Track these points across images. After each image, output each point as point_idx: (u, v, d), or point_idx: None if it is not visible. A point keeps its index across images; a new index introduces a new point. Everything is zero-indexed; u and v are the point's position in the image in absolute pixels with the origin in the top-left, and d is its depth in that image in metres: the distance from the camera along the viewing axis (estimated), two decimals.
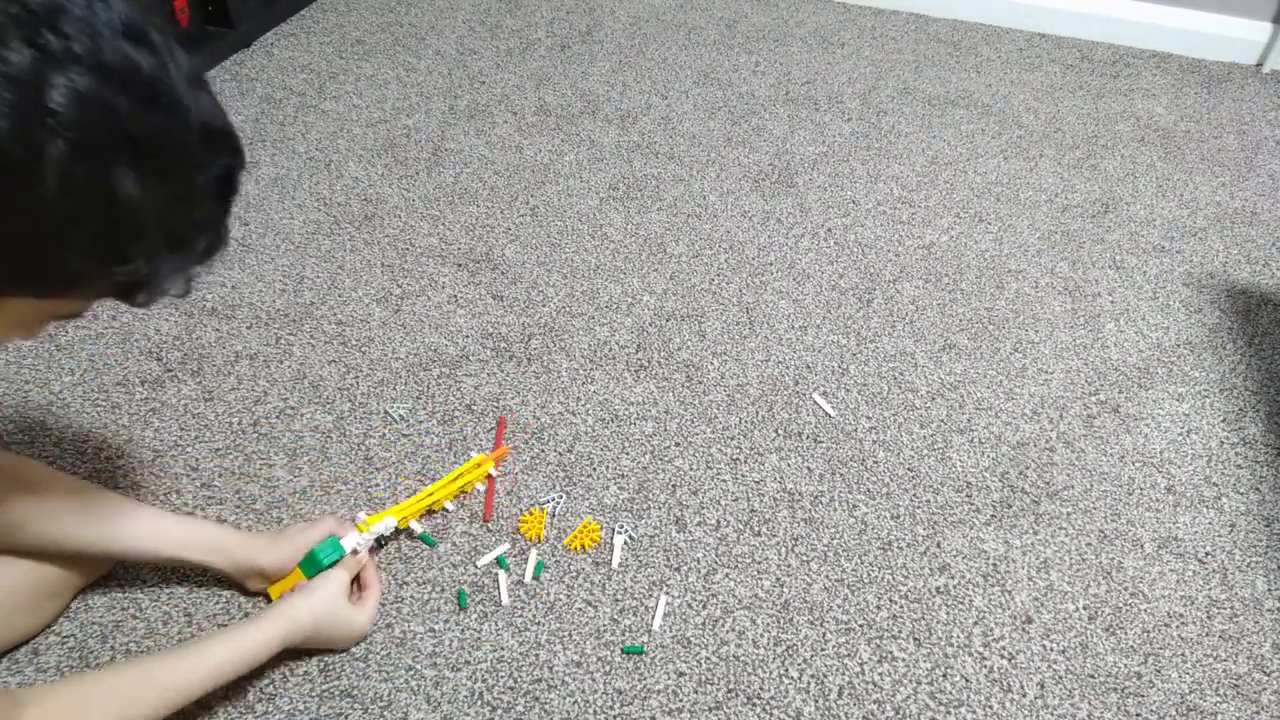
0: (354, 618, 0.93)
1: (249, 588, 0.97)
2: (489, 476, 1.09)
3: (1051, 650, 0.98)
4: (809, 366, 1.28)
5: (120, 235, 0.55)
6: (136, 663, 0.84)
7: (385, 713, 0.89)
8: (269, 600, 0.96)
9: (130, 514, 0.90)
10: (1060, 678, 0.96)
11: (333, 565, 0.93)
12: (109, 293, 0.61)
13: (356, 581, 0.97)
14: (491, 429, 1.17)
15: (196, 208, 0.59)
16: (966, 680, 0.95)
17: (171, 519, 0.93)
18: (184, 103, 0.56)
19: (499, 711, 0.90)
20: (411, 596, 0.99)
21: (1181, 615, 1.02)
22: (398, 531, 1.02)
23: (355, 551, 0.96)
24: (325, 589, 0.91)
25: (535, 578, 1.01)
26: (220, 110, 0.60)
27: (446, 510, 1.06)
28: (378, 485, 1.09)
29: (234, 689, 0.89)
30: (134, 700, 0.76)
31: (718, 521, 1.08)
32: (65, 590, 0.93)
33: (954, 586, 1.03)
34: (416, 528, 1.03)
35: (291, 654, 0.93)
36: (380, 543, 1.02)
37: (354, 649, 0.94)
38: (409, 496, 1.05)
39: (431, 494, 1.04)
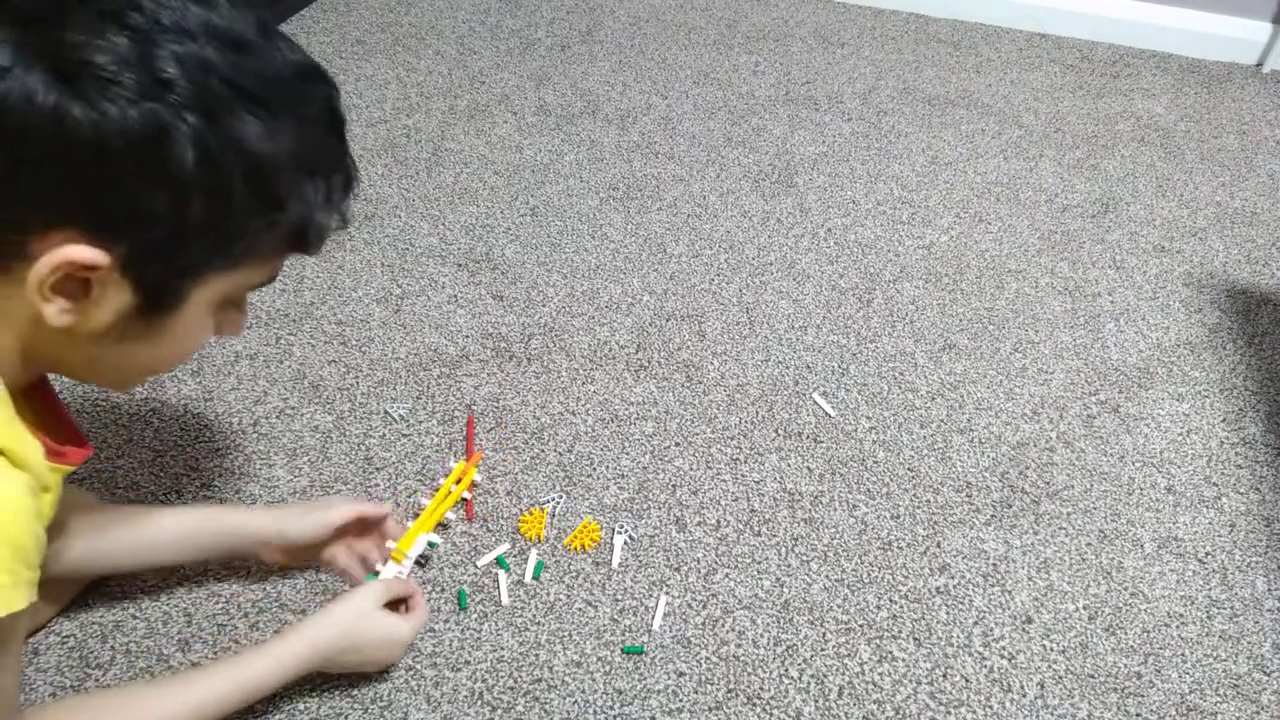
0: (392, 625, 0.87)
1: (264, 557, 0.95)
2: (471, 484, 1.09)
3: (1051, 650, 0.98)
4: (809, 366, 1.28)
5: (266, 181, 0.58)
6: (138, 691, 0.80)
7: (385, 713, 0.89)
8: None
9: (146, 519, 0.89)
10: (1060, 678, 0.96)
11: None
12: (282, 246, 0.64)
13: (404, 605, 0.92)
14: (491, 429, 1.17)
15: (318, 139, 0.62)
16: (966, 680, 0.95)
17: (186, 511, 0.92)
18: (266, 46, 0.58)
19: (499, 711, 0.90)
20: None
21: (1181, 615, 1.02)
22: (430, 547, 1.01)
23: (398, 576, 0.94)
24: (350, 598, 0.86)
25: (535, 578, 1.01)
26: (301, 50, 0.62)
27: (447, 520, 1.06)
28: (378, 485, 1.09)
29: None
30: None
31: (718, 521, 1.08)
32: (65, 594, 0.93)
33: (954, 586, 1.03)
34: (435, 539, 1.02)
35: None
36: (420, 563, 1.01)
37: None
38: (408, 505, 1.05)
39: (436, 506, 1.03)
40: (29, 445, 0.60)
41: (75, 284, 0.57)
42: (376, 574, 0.94)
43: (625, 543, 1.05)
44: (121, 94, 0.52)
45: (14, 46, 0.51)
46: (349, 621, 0.85)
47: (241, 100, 0.55)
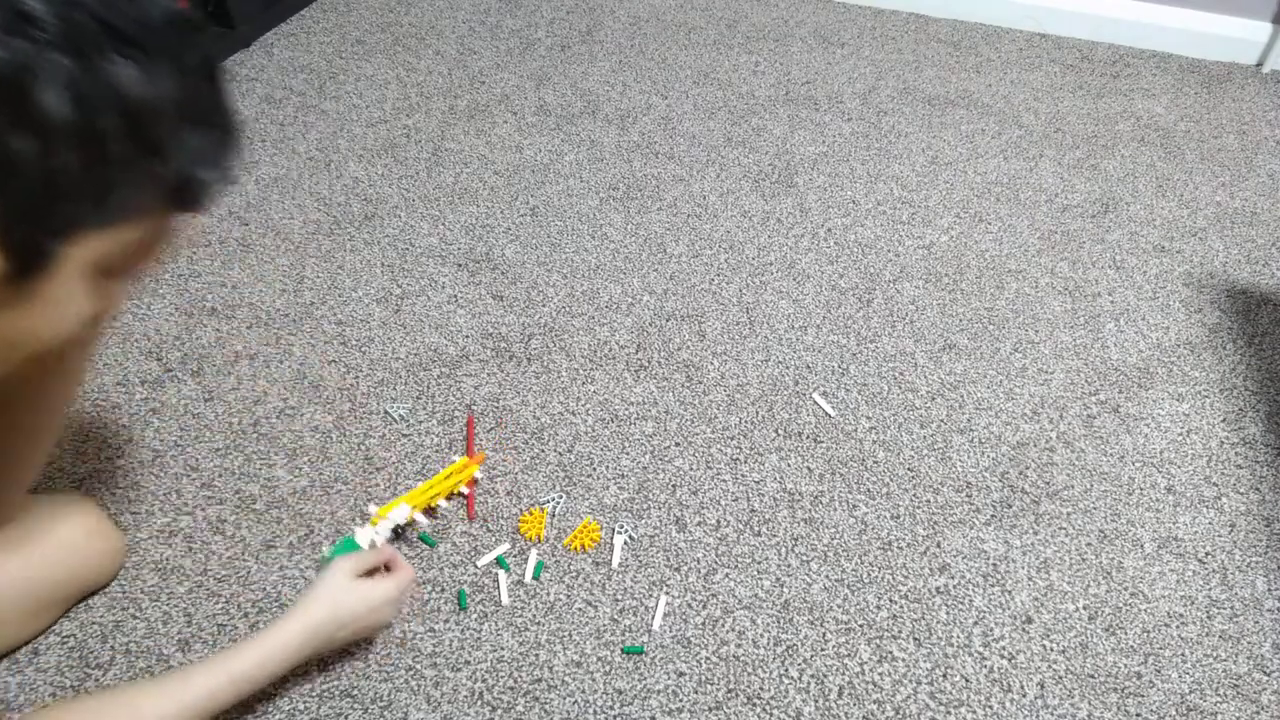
0: (371, 589, 0.88)
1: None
2: (472, 479, 1.09)
3: (1051, 650, 0.98)
4: (809, 366, 1.28)
5: (145, 126, 0.53)
6: (135, 691, 0.78)
7: (385, 713, 0.89)
8: None
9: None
10: (1060, 678, 0.96)
11: None
12: (163, 202, 0.58)
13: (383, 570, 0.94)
14: (492, 429, 1.17)
15: (198, 88, 0.57)
16: (966, 680, 0.95)
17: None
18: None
19: (499, 711, 0.90)
20: (411, 596, 0.99)
21: (1181, 615, 1.02)
22: (409, 523, 1.02)
23: (373, 544, 0.95)
24: (324, 576, 0.87)
25: (535, 578, 1.01)
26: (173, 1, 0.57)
27: (441, 509, 1.06)
28: (378, 485, 1.09)
29: None
30: None
31: (718, 521, 1.08)
32: (61, 601, 0.93)
33: (954, 586, 1.03)
34: (421, 519, 1.02)
35: None
36: (397, 532, 1.02)
37: (354, 649, 0.94)
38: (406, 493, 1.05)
39: (432, 487, 1.04)
40: None
41: None
42: (351, 538, 0.95)
43: (625, 543, 1.05)
44: None
45: None
46: (330, 599, 0.86)
47: (115, 40, 0.50)
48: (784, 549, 1.06)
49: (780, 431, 1.19)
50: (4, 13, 0.47)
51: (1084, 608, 1.02)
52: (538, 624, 0.97)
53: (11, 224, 0.51)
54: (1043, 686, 0.95)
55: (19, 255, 0.53)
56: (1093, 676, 0.96)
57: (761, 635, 0.98)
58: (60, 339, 0.61)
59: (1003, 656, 0.97)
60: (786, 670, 0.95)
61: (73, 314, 0.59)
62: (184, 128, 0.55)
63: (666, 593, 1.01)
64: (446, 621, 0.97)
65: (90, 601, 0.95)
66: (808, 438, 1.19)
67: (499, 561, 1.02)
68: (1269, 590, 1.05)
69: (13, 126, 0.48)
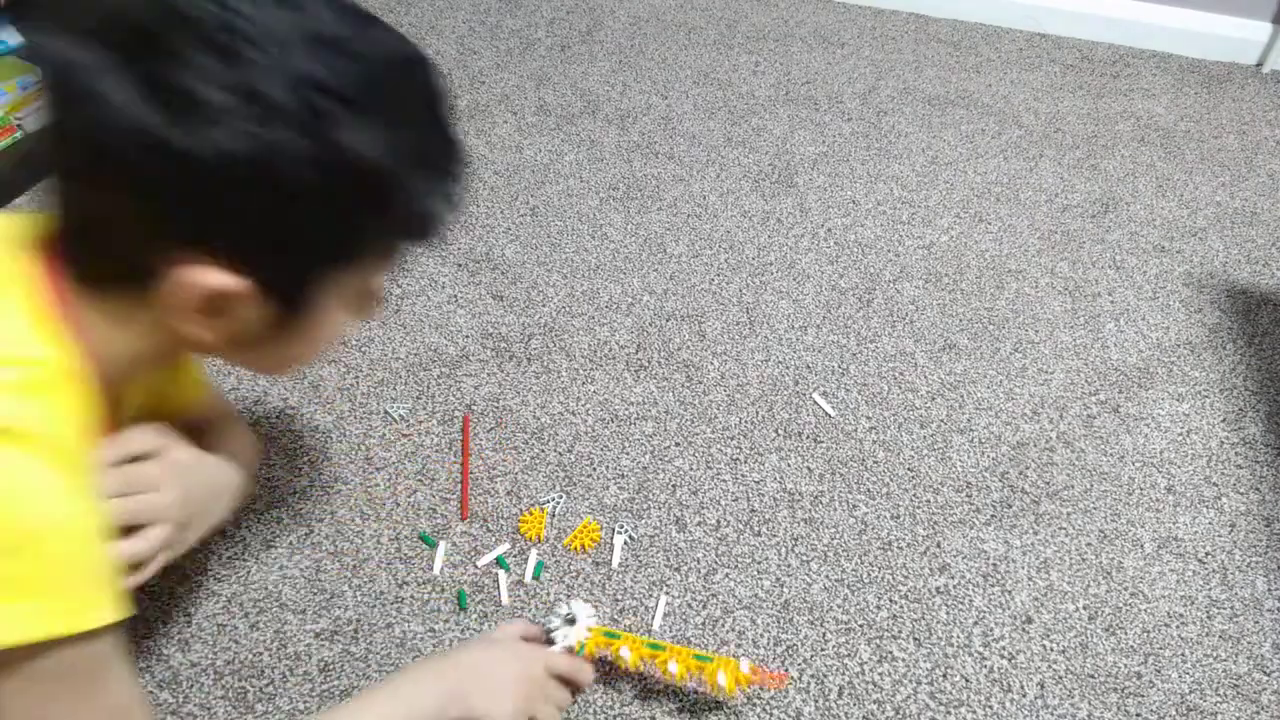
0: (523, 650, 0.86)
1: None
2: (465, 473, 1.08)
3: (1051, 650, 0.98)
4: (809, 366, 1.28)
5: (378, 184, 0.58)
6: None
7: None
8: None
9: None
10: (1060, 678, 0.96)
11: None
12: (400, 238, 0.65)
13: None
14: (492, 429, 1.17)
15: (422, 130, 0.61)
16: (966, 680, 0.95)
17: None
18: (360, 37, 0.57)
19: None
20: (411, 596, 0.99)
21: (1181, 615, 1.02)
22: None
23: (569, 648, 0.89)
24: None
25: (535, 578, 1.01)
26: (393, 31, 0.60)
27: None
28: (377, 485, 1.09)
29: (234, 689, 0.89)
30: None
31: (718, 521, 1.08)
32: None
33: (954, 586, 1.03)
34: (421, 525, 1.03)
35: (291, 654, 0.93)
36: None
37: (354, 648, 0.94)
38: (408, 503, 1.04)
39: (656, 654, 0.90)
40: (94, 478, 0.58)
41: (210, 304, 0.58)
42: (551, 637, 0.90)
43: (625, 543, 1.05)
44: (226, 121, 0.51)
45: (115, 75, 0.51)
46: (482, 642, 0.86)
47: (345, 108, 0.54)
48: (784, 549, 1.06)
49: (780, 431, 1.19)
50: (246, 101, 0.51)
51: (1084, 608, 1.02)
52: (538, 624, 0.97)
53: (273, 280, 0.59)
54: (1043, 686, 0.95)
55: (282, 304, 0.61)
56: (1093, 676, 0.96)
57: (761, 635, 0.98)
58: (326, 353, 0.69)
59: (1003, 656, 0.97)
60: (786, 670, 0.95)
61: (333, 334, 0.69)
62: (411, 173, 0.60)
63: (666, 593, 1.01)
64: (446, 621, 0.97)
65: None
66: (808, 438, 1.19)
67: (499, 561, 1.02)
68: (1269, 590, 1.05)
69: (264, 201, 0.54)
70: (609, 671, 0.93)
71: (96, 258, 0.58)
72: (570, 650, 0.89)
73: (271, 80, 0.52)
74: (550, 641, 0.89)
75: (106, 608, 0.57)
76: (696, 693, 0.92)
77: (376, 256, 0.66)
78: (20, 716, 0.56)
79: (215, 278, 0.56)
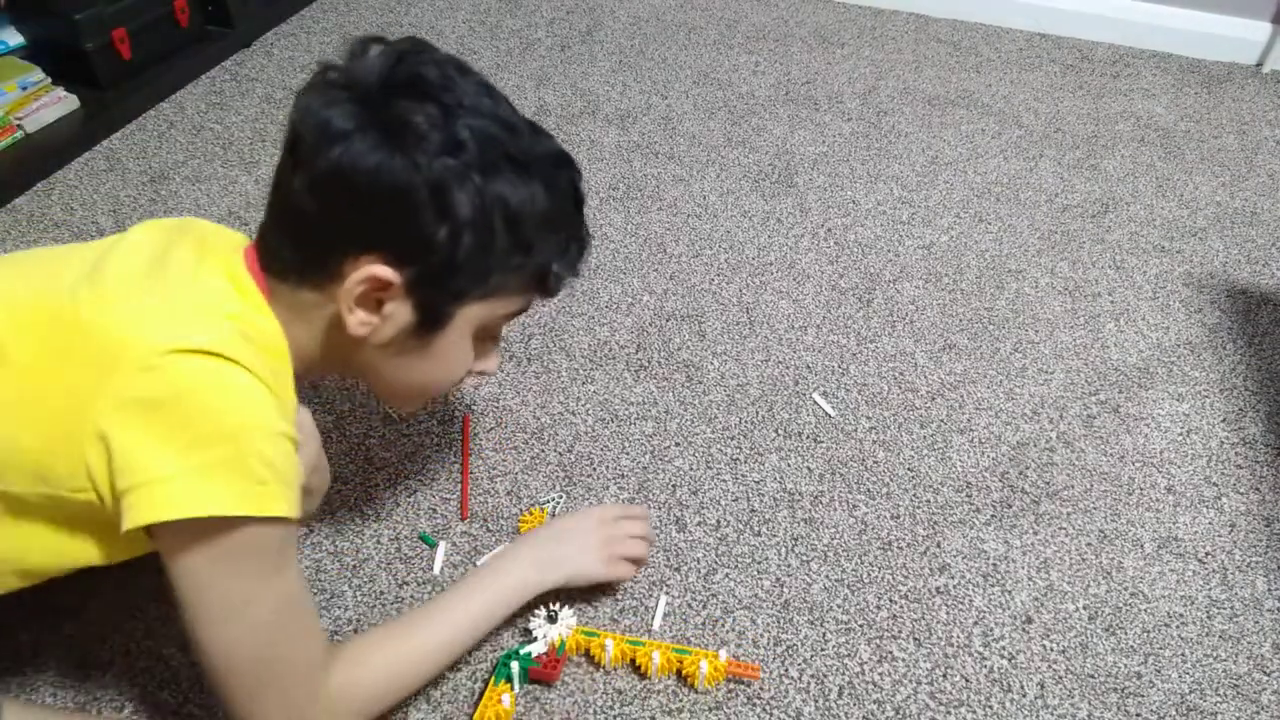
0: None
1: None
2: (465, 473, 1.09)
3: (1051, 650, 0.98)
4: (809, 366, 1.28)
5: (521, 229, 0.73)
6: (425, 619, 0.86)
7: (385, 712, 0.89)
8: None
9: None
10: (1060, 678, 0.96)
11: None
12: (528, 286, 0.79)
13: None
14: (492, 429, 1.17)
15: (562, 206, 0.77)
16: (966, 680, 0.95)
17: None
18: (533, 135, 0.76)
19: None
20: (412, 596, 0.99)
21: (1181, 615, 1.02)
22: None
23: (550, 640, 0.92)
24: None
25: None
26: (555, 141, 0.78)
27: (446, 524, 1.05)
28: (377, 485, 1.09)
29: None
30: (432, 654, 0.84)
31: (718, 521, 1.08)
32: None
33: (954, 586, 1.03)
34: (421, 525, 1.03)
35: None
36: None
37: None
38: (408, 504, 1.04)
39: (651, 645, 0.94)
40: (293, 404, 0.73)
41: (371, 300, 0.72)
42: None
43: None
44: (428, 148, 0.68)
45: (356, 117, 0.68)
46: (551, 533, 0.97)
47: (510, 166, 0.71)
48: (784, 549, 1.06)
49: (780, 431, 1.19)
50: (445, 137, 0.69)
51: (1084, 608, 1.02)
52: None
53: (424, 288, 0.72)
54: (1043, 686, 0.95)
55: (426, 311, 0.74)
56: (1093, 676, 0.96)
57: (761, 635, 0.98)
58: (447, 387, 0.85)
59: (1003, 656, 0.97)
60: (786, 670, 0.95)
61: (459, 366, 0.81)
62: (547, 233, 0.76)
63: (666, 593, 1.01)
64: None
65: (89, 603, 0.95)
66: (808, 438, 1.19)
67: None
68: (1269, 590, 1.05)
69: (437, 218, 0.69)
70: (599, 670, 0.93)
71: (294, 249, 0.73)
72: (552, 646, 0.91)
73: (463, 128, 0.69)
74: (530, 637, 0.92)
75: (290, 504, 0.68)
76: (687, 691, 0.92)
77: (507, 298, 0.78)
78: (206, 589, 0.68)
79: (381, 269, 0.70)
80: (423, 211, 0.69)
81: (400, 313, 0.73)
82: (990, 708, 0.93)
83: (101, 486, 0.65)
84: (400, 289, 0.71)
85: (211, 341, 0.65)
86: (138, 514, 0.64)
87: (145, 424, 0.63)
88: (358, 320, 0.73)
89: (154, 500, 0.63)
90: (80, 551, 0.74)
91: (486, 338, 0.83)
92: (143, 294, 0.68)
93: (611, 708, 0.91)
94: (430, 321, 0.75)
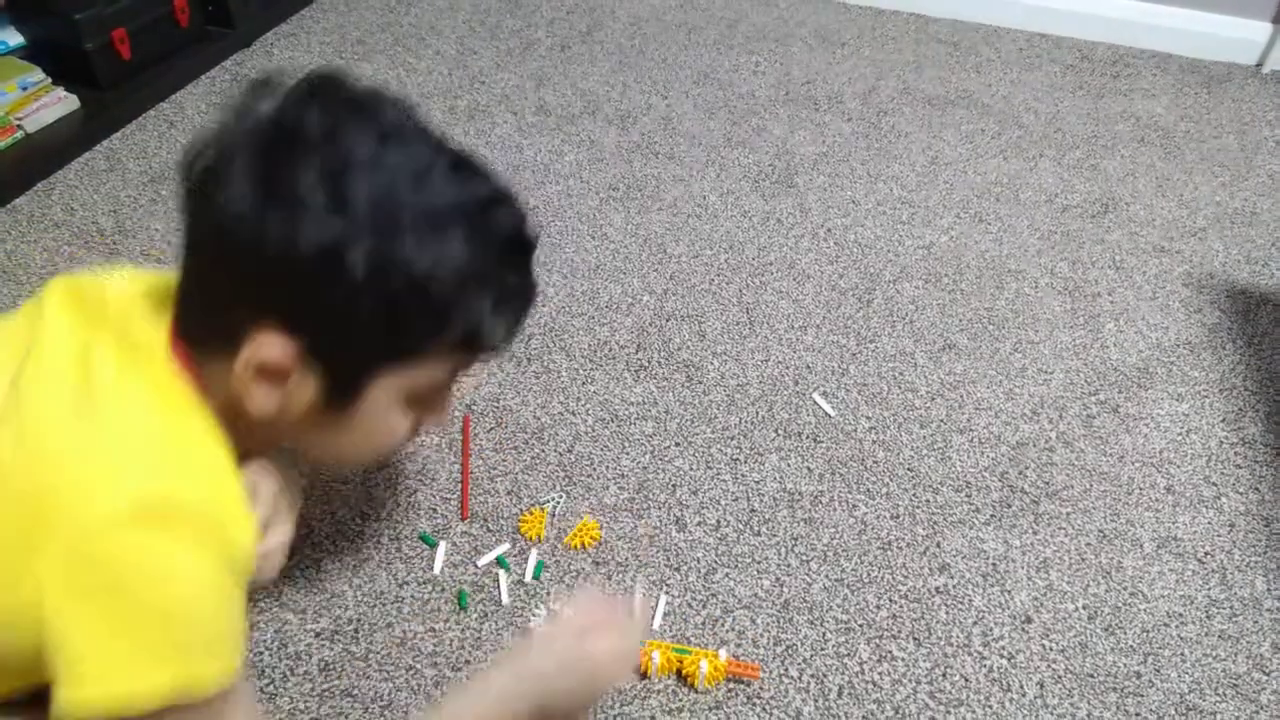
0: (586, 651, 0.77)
1: None
2: (465, 473, 1.09)
3: (1051, 650, 0.98)
4: (809, 366, 1.28)
5: (429, 294, 0.64)
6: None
7: (385, 713, 0.89)
8: None
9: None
10: (1060, 677, 0.96)
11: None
12: (453, 350, 0.70)
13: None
14: (492, 429, 1.17)
15: (489, 260, 0.67)
16: (966, 680, 0.95)
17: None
18: (454, 178, 0.66)
19: None
20: (411, 596, 0.99)
21: (1181, 615, 1.02)
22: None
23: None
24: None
25: (535, 577, 1.01)
26: (492, 178, 0.69)
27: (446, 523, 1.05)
28: (378, 485, 1.09)
29: None
30: None
31: (718, 521, 1.08)
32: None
33: (954, 586, 1.03)
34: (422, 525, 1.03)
35: (291, 654, 0.93)
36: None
37: (354, 648, 0.94)
38: (407, 503, 1.04)
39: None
40: (246, 524, 0.65)
41: (272, 374, 0.65)
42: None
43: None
44: (312, 209, 0.60)
45: (238, 175, 0.61)
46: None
47: (415, 223, 0.62)
48: (784, 549, 1.06)
49: (780, 431, 1.19)
50: (328, 197, 0.60)
51: (1084, 608, 1.02)
52: (538, 624, 0.97)
53: (327, 359, 0.65)
54: (1042, 686, 0.95)
55: (334, 384, 0.66)
56: (1092, 676, 0.96)
57: (761, 635, 0.98)
58: (386, 452, 0.79)
59: (1002, 656, 0.97)
60: (786, 670, 0.95)
61: (388, 435, 0.74)
62: (473, 292, 0.66)
63: (666, 592, 1.01)
64: (446, 621, 0.97)
65: None
66: (808, 438, 1.19)
67: (499, 561, 1.02)
68: (1269, 590, 1.05)
69: (327, 285, 0.62)
70: None
71: (198, 320, 0.67)
72: None
73: (354, 187, 0.61)
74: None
75: (231, 668, 0.64)
76: (687, 690, 0.92)
77: (431, 364, 0.70)
78: None
79: (276, 345, 0.63)
80: (309, 279, 0.61)
81: (304, 386, 0.66)
82: (990, 707, 0.93)
83: (39, 641, 0.61)
84: (297, 360, 0.64)
85: (148, 504, 0.60)
86: (69, 704, 0.59)
87: (82, 605, 0.59)
88: (258, 402, 0.65)
89: (85, 692, 0.59)
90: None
91: (427, 400, 0.74)
92: (69, 437, 0.62)
93: (611, 707, 0.91)
94: (340, 394, 0.67)
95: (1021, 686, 0.95)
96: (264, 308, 0.63)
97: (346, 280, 0.61)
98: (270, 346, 0.63)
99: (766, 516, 1.09)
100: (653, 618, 0.99)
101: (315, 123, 0.63)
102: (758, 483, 1.13)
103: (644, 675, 0.93)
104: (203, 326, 0.67)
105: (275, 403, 0.66)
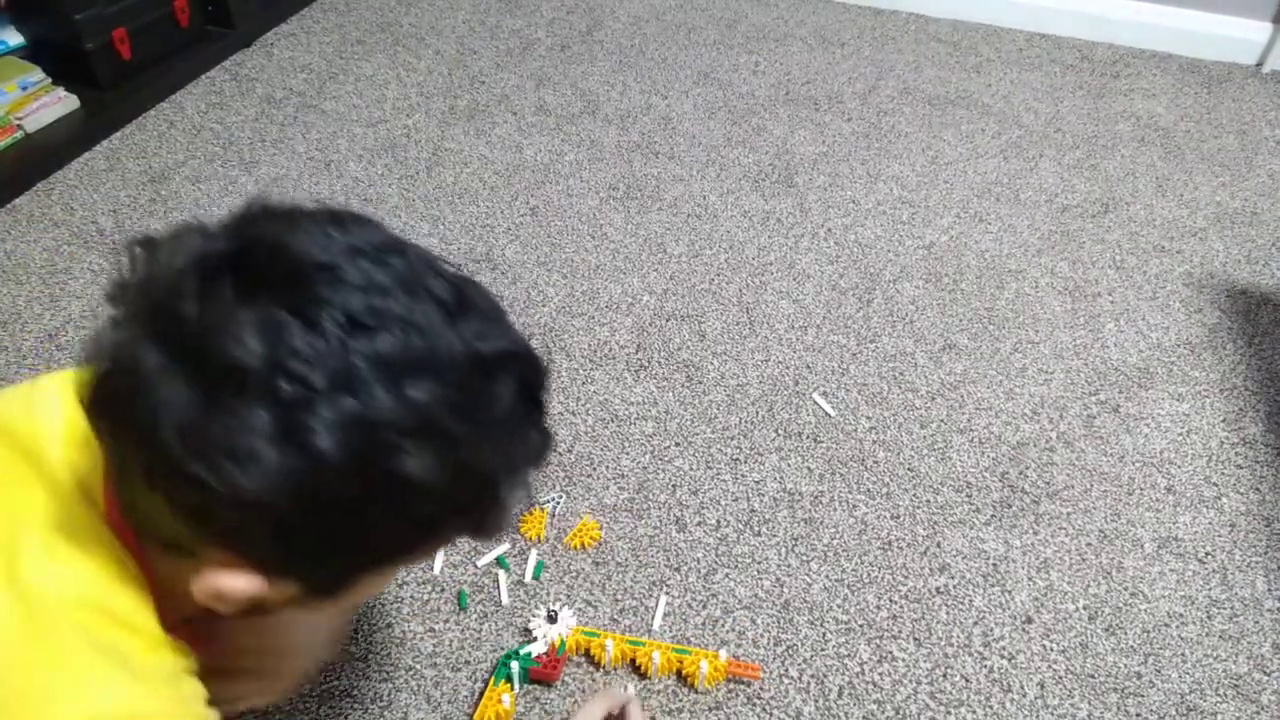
0: None
1: None
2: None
3: (1051, 650, 0.98)
4: (809, 366, 1.28)
5: (429, 503, 0.51)
6: None
7: (385, 713, 0.89)
8: None
9: None
10: (1060, 678, 0.96)
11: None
12: (454, 537, 0.59)
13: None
14: None
15: (499, 442, 0.53)
16: (966, 680, 0.95)
17: None
18: (439, 351, 0.50)
19: None
20: (411, 596, 0.99)
21: (1181, 615, 1.02)
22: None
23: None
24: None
25: (535, 578, 1.01)
26: (489, 326, 0.53)
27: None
28: None
29: None
30: None
31: (718, 521, 1.08)
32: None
33: (954, 586, 1.03)
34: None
35: None
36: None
37: (353, 648, 0.94)
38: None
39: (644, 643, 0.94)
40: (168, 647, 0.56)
41: (229, 599, 0.54)
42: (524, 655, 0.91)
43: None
44: (264, 468, 0.46)
45: (169, 386, 0.46)
46: None
47: (406, 439, 0.48)
48: (784, 549, 1.06)
49: (780, 431, 1.19)
50: (288, 452, 0.46)
51: (1084, 608, 1.02)
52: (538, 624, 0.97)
53: (308, 577, 0.53)
54: (1043, 686, 0.95)
55: (315, 590, 0.55)
56: (1093, 676, 0.96)
57: (761, 635, 0.98)
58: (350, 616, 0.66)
59: (1003, 656, 0.97)
60: (786, 670, 0.95)
61: (361, 602, 0.65)
62: (477, 489, 0.53)
63: (666, 592, 1.01)
64: (446, 621, 0.97)
65: None
66: (808, 438, 1.19)
67: (499, 561, 1.02)
68: (1269, 590, 1.05)
69: (306, 524, 0.49)
70: (599, 670, 0.93)
71: (144, 527, 0.54)
72: (552, 646, 0.92)
73: (319, 427, 0.46)
74: (530, 637, 0.93)
75: None
76: (687, 691, 0.92)
77: (427, 551, 0.61)
78: None
79: (240, 579, 0.51)
80: (271, 524, 0.49)
81: (279, 591, 0.54)
82: (990, 708, 0.93)
83: None
84: (268, 583, 0.52)
85: None
86: None
87: None
88: (221, 610, 0.54)
89: None
90: None
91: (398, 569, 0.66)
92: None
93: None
94: (322, 595, 0.56)
95: (1022, 687, 0.95)
96: (215, 540, 0.51)
97: (323, 517, 0.49)
98: (233, 580, 0.51)
99: (766, 517, 1.09)
100: (653, 618, 0.98)
101: (250, 340, 0.45)
102: (758, 483, 1.13)
103: (644, 676, 0.93)
104: (144, 526, 0.54)
105: (241, 608, 0.54)
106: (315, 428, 0.46)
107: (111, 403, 0.49)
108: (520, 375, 0.55)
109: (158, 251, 0.50)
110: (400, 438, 0.48)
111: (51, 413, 0.58)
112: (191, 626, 0.62)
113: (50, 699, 0.50)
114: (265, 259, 0.48)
